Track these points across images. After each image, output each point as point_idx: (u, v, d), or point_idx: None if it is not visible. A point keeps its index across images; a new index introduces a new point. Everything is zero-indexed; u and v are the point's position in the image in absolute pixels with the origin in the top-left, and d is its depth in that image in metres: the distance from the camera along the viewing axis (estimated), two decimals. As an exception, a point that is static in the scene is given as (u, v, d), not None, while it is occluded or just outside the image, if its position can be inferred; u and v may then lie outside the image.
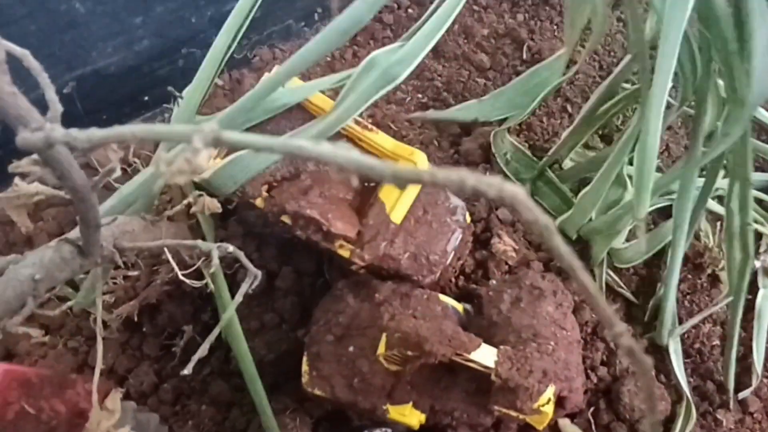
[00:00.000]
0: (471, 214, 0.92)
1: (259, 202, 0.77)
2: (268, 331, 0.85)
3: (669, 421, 0.84)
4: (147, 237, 0.71)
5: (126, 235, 0.66)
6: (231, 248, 0.63)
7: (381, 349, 0.73)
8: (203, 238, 0.85)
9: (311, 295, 0.87)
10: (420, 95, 1.10)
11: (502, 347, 0.73)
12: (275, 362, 0.85)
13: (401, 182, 0.28)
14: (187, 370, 0.60)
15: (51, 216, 0.94)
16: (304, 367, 0.78)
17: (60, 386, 0.63)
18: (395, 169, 0.28)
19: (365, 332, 0.76)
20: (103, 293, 0.83)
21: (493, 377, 0.71)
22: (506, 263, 0.91)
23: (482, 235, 0.94)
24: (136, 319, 0.85)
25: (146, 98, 1.05)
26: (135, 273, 0.85)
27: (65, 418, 0.62)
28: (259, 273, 0.64)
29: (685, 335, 0.89)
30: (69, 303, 0.76)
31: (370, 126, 0.78)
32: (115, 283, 0.86)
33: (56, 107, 0.38)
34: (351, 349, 0.76)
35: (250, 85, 0.98)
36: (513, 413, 0.72)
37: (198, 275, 0.75)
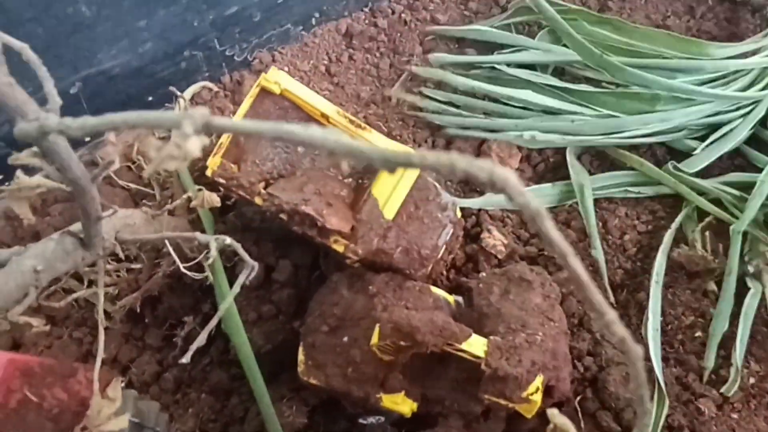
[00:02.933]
0: (462, 209, 0.94)
1: (257, 200, 0.79)
2: (266, 322, 0.87)
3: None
4: (148, 230, 0.74)
5: (127, 228, 0.69)
6: (228, 240, 0.65)
7: (374, 339, 0.75)
8: (203, 232, 0.88)
9: (307, 287, 0.90)
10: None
11: (492, 337, 0.75)
12: (272, 352, 0.87)
13: (391, 165, 0.29)
14: (185, 359, 0.61)
15: (58, 211, 0.97)
16: (300, 357, 0.80)
17: (62, 375, 0.64)
18: (385, 153, 0.29)
19: (359, 323, 0.78)
20: (107, 285, 0.86)
21: (483, 367, 0.72)
22: (495, 257, 0.93)
23: (472, 230, 0.97)
24: (138, 310, 0.88)
25: (150, 98, 1.07)
26: (138, 266, 0.88)
27: (67, 406, 0.63)
28: (256, 264, 0.67)
29: (669, 327, 0.91)
30: (74, 294, 0.79)
31: (363, 125, 0.81)
32: (118, 276, 0.88)
33: (55, 99, 0.41)
34: (345, 339, 0.78)
35: (250, 87, 1.01)
36: (502, 402, 0.74)
37: (198, 268, 0.77)
